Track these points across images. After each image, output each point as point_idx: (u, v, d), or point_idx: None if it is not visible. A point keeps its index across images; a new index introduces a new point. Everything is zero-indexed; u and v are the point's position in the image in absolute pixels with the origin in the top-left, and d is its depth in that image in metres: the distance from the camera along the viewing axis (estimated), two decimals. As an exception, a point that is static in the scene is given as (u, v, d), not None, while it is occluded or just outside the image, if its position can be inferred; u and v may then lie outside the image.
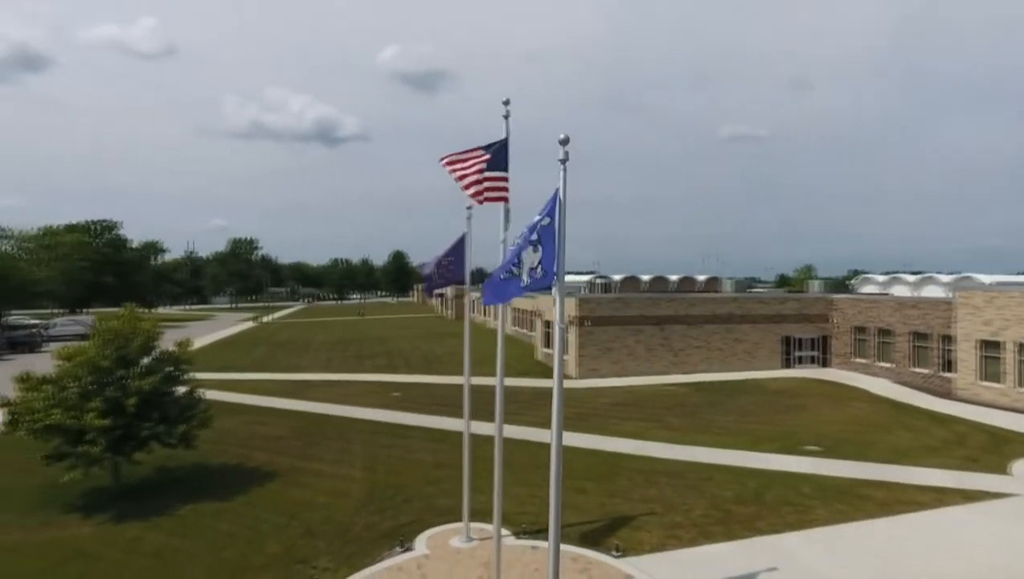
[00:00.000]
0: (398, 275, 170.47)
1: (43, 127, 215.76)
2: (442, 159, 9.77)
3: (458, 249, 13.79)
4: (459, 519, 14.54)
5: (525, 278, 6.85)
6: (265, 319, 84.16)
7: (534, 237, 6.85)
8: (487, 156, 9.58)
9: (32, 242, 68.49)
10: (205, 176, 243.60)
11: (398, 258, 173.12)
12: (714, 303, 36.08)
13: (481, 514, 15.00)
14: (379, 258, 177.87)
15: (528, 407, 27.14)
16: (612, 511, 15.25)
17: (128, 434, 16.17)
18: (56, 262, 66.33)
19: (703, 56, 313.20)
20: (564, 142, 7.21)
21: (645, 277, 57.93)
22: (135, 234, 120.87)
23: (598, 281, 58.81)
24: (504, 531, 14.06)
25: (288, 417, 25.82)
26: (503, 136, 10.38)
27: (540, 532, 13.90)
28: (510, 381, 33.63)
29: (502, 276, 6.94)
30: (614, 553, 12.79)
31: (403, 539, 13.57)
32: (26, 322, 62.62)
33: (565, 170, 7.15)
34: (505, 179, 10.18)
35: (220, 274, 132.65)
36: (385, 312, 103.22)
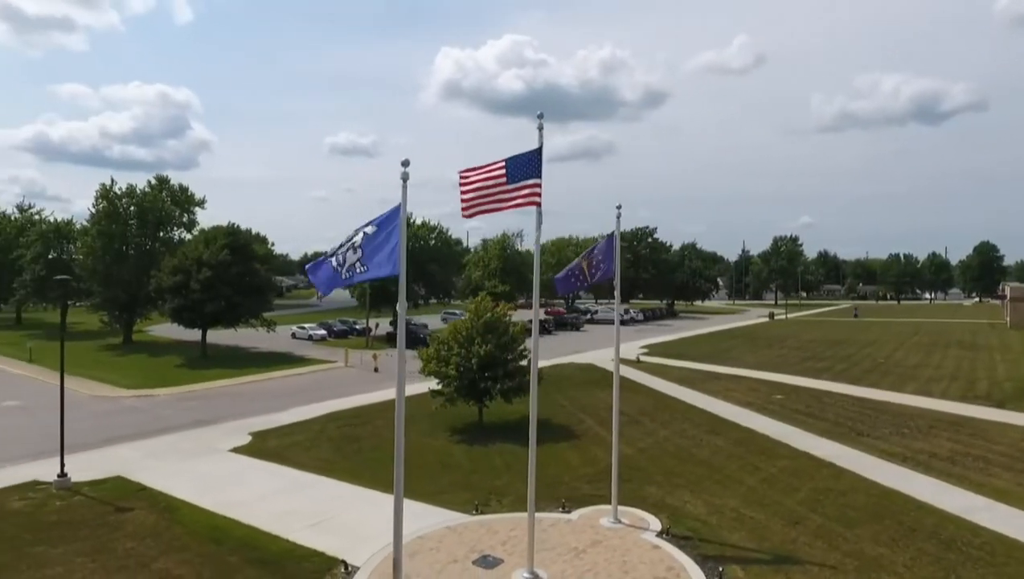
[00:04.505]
0: (981, 272, 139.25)
1: (663, 153, 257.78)
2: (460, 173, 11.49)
3: (609, 247, 14.78)
4: (646, 508, 15.41)
5: (344, 274, 8.87)
6: (779, 316, 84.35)
7: (356, 241, 8.79)
8: (503, 166, 11.10)
9: (583, 247, 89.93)
10: (793, 174, 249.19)
11: (983, 251, 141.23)
12: None
13: (664, 510, 15.47)
14: (960, 251, 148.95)
15: (902, 433, 22.27)
16: (796, 547, 13.14)
17: (472, 385, 22.76)
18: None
19: None
20: (405, 164, 8.86)
21: None
22: (723, 235, 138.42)
23: None
24: (656, 525, 14.32)
25: (650, 398, 28.59)
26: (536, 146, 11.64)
27: (686, 539, 13.57)
28: (940, 403, 26.93)
29: (332, 266, 8.97)
30: (715, 577, 11.75)
31: (567, 505, 15.51)
32: (581, 308, 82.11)
33: (405, 187, 8.81)
34: (538, 185, 11.48)
35: (762, 271, 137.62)
36: (924, 314, 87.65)
